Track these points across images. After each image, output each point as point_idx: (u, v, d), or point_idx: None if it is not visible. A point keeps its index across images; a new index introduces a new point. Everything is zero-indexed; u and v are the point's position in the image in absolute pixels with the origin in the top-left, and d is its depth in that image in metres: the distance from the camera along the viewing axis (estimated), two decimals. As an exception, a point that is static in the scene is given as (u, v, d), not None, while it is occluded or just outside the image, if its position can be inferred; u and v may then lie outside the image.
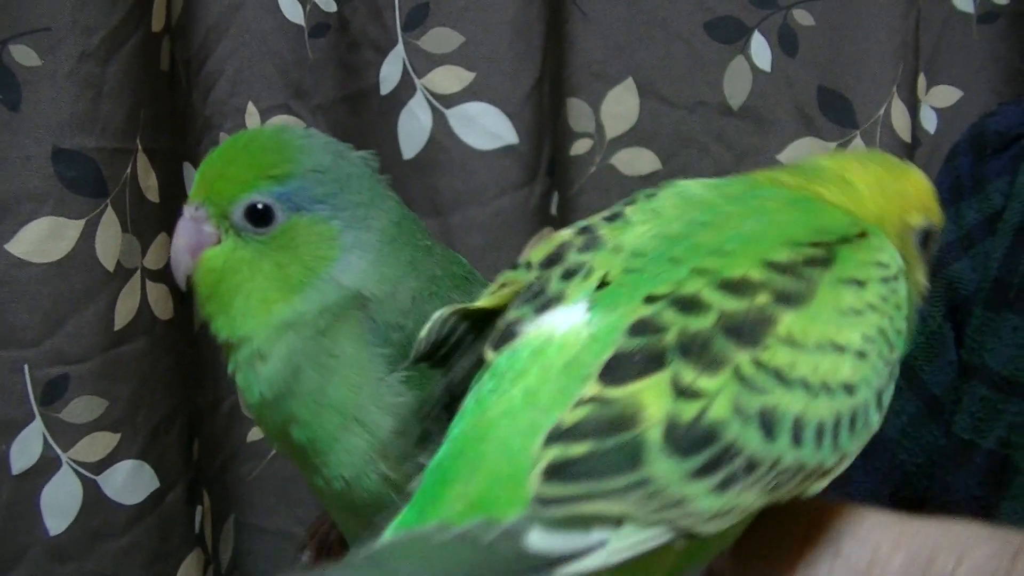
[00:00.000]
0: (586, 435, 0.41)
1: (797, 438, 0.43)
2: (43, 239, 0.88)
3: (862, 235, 0.49)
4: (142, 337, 0.94)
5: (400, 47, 1.02)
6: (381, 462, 0.57)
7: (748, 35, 1.12)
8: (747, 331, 0.43)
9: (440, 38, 1.02)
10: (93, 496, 0.93)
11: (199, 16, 1.03)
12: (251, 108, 1.05)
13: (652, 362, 0.42)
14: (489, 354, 0.46)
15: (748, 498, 0.42)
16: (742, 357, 0.42)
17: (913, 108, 1.11)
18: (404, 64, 1.02)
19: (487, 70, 1.01)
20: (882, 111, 1.10)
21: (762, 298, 0.44)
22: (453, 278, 0.61)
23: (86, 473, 0.92)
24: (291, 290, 0.57)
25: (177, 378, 0.98)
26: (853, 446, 0.45)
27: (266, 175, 0.57)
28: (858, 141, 1.11)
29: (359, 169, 0.60)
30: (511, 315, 0.47)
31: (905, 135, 1.10)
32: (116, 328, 0.92)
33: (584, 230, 0.50)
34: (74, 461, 0.92)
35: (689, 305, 0.44)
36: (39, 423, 0.90)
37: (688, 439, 0.41)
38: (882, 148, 1.11)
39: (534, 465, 0.40)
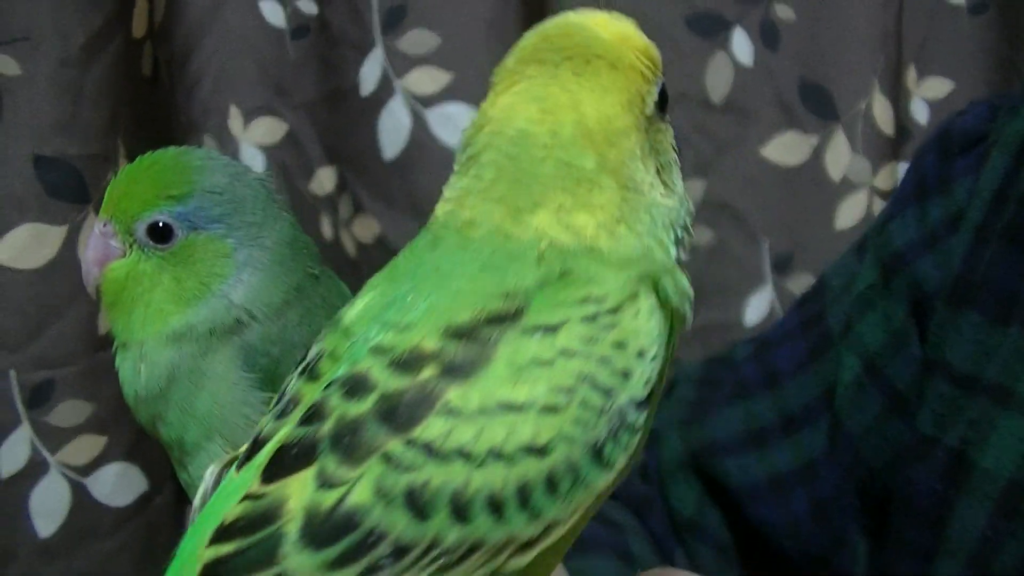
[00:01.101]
0: (235, 533, 0.41)
1: (460, 514, 0.40)
2: (26, 246, 0.89)
3: (564, 273, 0.44)
4: (127, 340, 0.95)
5: (379, 49, 1.03)
6: None
7: (729, 29, 1.12)
8: (403, 412, 0.41)
9: (418, 39, 1.02)
10: (81, 498, 0.94)
11: (180, 17, 1.04)
12: (234, 110, 1.05)
13: (306, 454, 0.42)
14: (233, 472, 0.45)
15: None
16: (393, 440, 0.41)
17: (896, 100, 1.11)
18: (383, 66, 1.03)
19: (464, 70, 1.02)
20: (864, 103, 1.11)
21: (428, 372, 0.41)
22: (329, 309, 0.64)
23: (74, 476, 0.94)
24: (186, 303, 0.61)
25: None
26: (562, 510, 0.42)
27: (166, 195, 0.61)
28: (840, 133, 1.11)
29: (254, 191, 0.63)
30: (262, 430, 0.45)
31: (887, 127, 1.11)
32: (100, 332, 0.93)
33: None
34: (62, 464, 0.93)
35: (355, 388, 0.42)
36: (27, 427, 0.91)
37: (325, 529, 0.40)
38: (864, 141, 1.11)
39: (199, 564, 0.42)
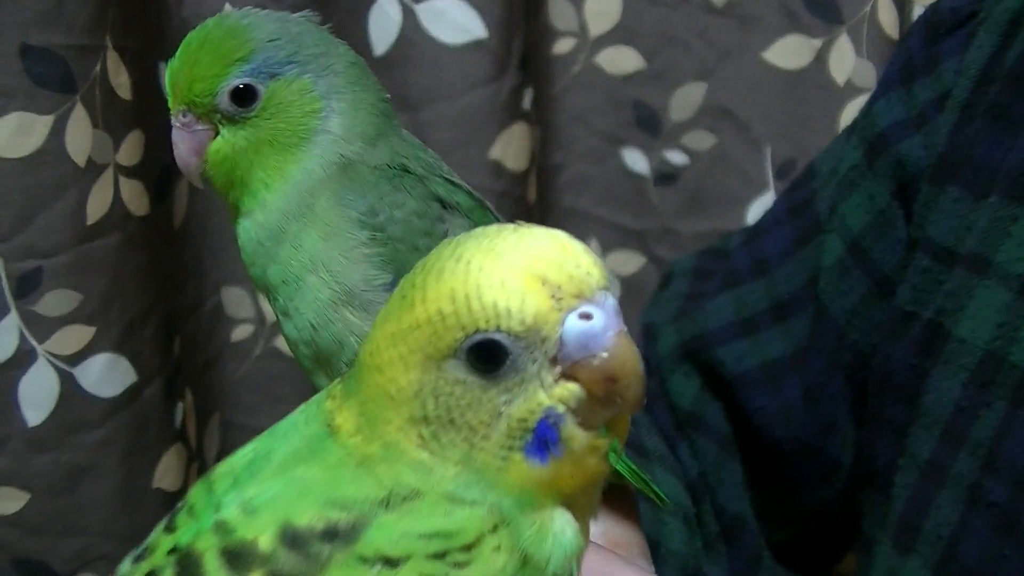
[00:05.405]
0: None
1: None
2: (12, 134, 0.89)
3: (415, 495, 0.40)
4: (115, 232, 0.95)
5: (370, -57, 1.02)
6: (344, 308, 0.62)
7: (733, -69, 1.10)
8: None
9: (408, -68, 1.01)
10: (69, 388, 0.94)
11: (172, -84, 1.03)
12: (228, 8, 1.04)
13: None
14: None
15: None
16: None
17: (901, 4, 1.09)
18: (374, -41, 1.02)
19: (456, -37, 1.01)
20: (868, 7, 1.08)
21: None
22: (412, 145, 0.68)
23: (62, 365, 0.94)
24: (295, 150, 0.63)
25: (153, 275, 0.99)
26: None
27: (232, 60, 0.62)
28: (844, 38, 1.09)
29: (305, 26, 0.66)
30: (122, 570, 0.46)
31: (892, 31, 1.08)
32: (89, 223, 0.93)
33: None
34: (50, 353, 0.93)
35: (185, 570, 0.41)
36: (14, 315, 0.92)
37: None
38: (869, 45, 1.09)
39: None
